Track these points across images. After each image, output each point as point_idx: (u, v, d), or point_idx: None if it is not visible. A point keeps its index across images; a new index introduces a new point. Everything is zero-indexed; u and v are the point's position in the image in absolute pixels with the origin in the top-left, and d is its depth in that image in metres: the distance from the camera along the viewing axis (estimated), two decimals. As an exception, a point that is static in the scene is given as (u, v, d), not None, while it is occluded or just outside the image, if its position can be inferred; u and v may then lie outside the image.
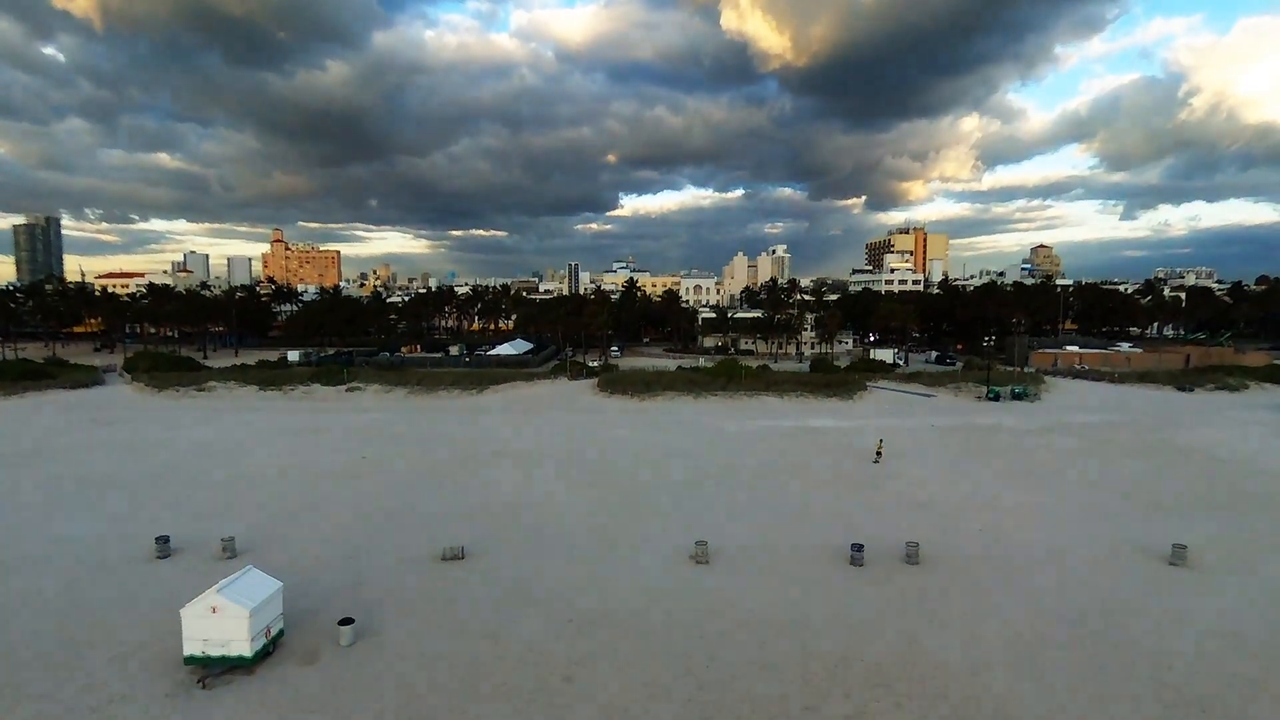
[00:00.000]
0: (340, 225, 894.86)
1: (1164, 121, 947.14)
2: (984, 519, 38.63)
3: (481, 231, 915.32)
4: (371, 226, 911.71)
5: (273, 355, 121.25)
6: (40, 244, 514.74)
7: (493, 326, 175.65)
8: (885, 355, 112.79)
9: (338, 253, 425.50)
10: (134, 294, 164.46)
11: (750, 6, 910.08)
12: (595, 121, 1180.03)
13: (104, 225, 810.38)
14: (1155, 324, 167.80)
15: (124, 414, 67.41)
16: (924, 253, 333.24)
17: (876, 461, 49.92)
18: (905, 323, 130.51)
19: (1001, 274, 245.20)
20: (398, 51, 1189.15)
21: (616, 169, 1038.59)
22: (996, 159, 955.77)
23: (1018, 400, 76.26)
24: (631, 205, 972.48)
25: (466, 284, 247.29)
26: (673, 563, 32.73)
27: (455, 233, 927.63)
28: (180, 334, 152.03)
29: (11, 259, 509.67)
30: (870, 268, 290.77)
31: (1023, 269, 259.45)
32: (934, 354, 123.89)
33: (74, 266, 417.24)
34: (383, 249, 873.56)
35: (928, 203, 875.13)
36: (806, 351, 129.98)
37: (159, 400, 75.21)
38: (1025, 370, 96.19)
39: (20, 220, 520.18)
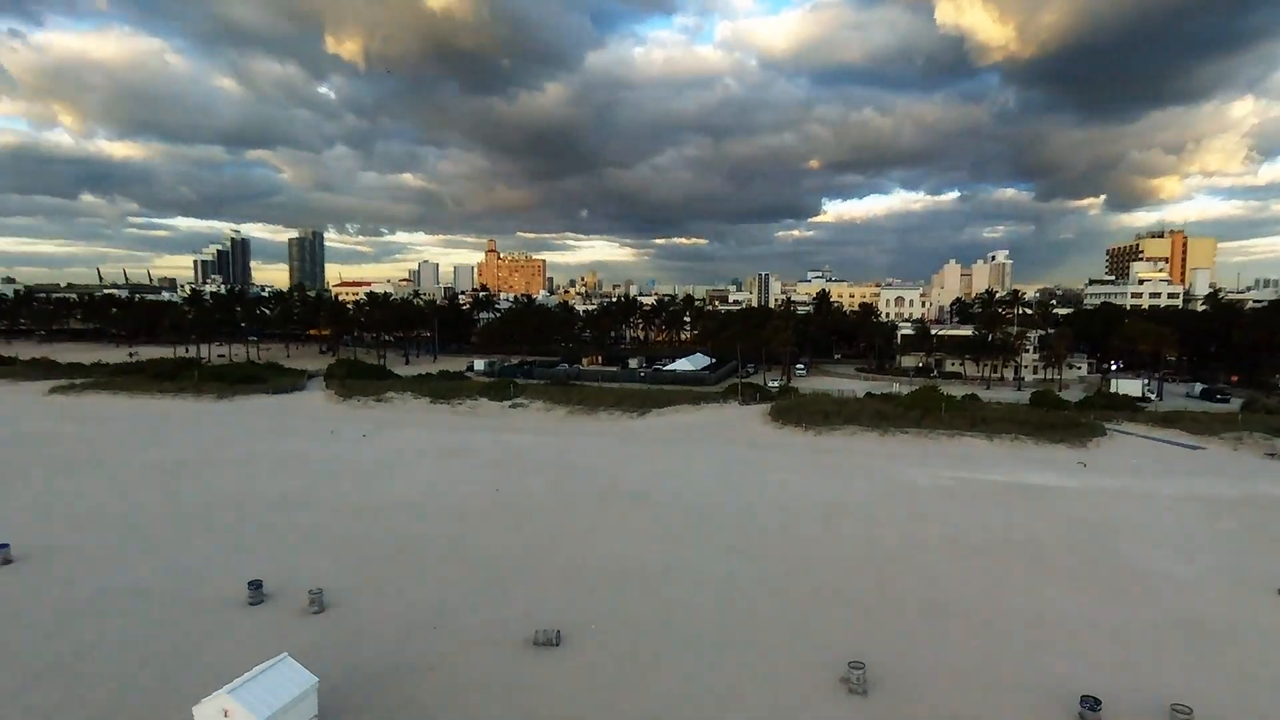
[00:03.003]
0: (553, 234, 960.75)
1: None
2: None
3: (683, 240, 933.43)
4: (581, 235, 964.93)
5: (465, 363, 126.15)
6: (308, 255, 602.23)
7: (677, 338, 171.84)
8: (1132, 387, 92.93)
9: (542, 261, 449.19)
10: (358, 301, 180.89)
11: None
12: (797, 127, 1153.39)
13: (360, 238, 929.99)
14: None
15: (302, 424, 70.32)
16: (1183, 260, 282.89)
17: None
18: (1159, 346, 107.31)
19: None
20: (608, 70, 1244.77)
21: (819, 174, 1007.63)
22: (1278, 148, 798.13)
23: (1332, 461, 57.28)
24: (835, 211, 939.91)
25: (654, 294, 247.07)
26: (817, 687, 24.72)
27: (658, 241, 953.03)
28: (394, 339, 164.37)
29: (286, 267, 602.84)
30: (1112, 277, 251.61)
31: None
32: (1199, 387, 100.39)
33: (334, 274, 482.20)
34: (591, 257, 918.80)
35: (1185, 201, 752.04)
36: (1027, 377, 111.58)
37: (340, 410, 78.35)
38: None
39: (294, 234, 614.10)
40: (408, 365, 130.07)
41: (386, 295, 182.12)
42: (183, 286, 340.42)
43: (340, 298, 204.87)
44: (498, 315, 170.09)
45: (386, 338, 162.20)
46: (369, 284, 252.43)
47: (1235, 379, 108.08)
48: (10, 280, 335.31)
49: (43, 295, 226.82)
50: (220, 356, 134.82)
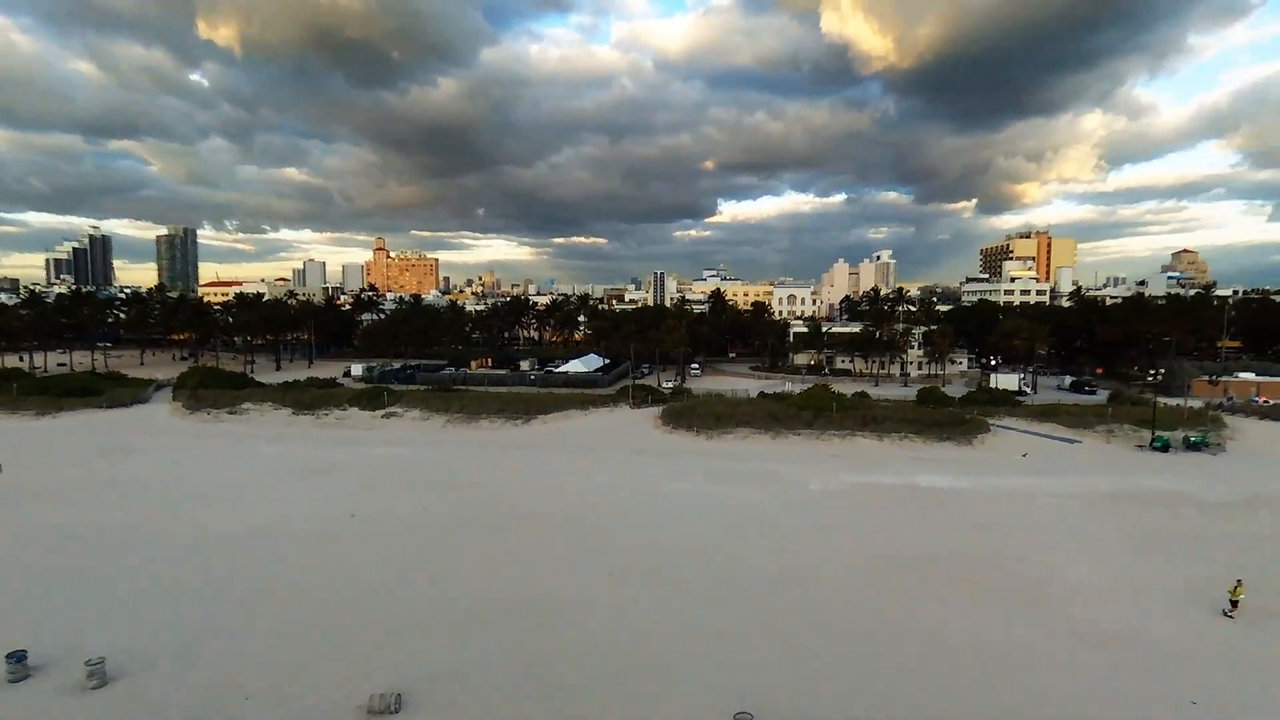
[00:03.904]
0: (450, 234, 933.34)
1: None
2: (1204, 684, 25.12)
3: (582, 239, 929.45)
4: (479, 234, 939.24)
5: (343, 368, 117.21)
6: (179, 253, 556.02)
7: (572, 339, 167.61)
8: (1010, 382, 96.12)
9: (435, 260, 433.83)
10: (226, 303, 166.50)
11: (851, 9, 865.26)
12: (694, 129, 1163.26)
13: (240, 235, 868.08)
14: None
15: (140, 442, 61.78)
16: (1048, 260, 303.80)
17: (1230, 615, 29.76)
18: (1033, 341, 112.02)
19: (1143, 283, 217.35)
20: (504, 67, 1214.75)
21: (715, 175, 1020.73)
22: (1123, 158, 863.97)
23: (1193, 451, 59.78)
24: (731, 211, 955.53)
25: (551, 294, 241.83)
26: (700, 744, 21.42)
27: (557, 240, 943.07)
28: (266, 343, 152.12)
29: (155, 267, 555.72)
30: (986, 275, 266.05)
31: (1169, 277, 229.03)
32: (1068, 380, 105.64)
33: (210, 274, 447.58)
34: (489, 256, 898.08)
35: (1044, 205, 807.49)
36: (913, 373, 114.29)
37: (186, 425, 69.82)
38: (1192, 405, 77.79)
39: (163, 231, 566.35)
40: (279, 371, 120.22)
41: (258, 296, 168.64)
42: (26, 288, 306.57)
43: (206, 299, 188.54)
44: (382, 316, 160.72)
45: (258, 342, 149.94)
46: (241, 284, 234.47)
47: (1100, 371, 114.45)
48: None
49: None
50: (61, 365, 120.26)
